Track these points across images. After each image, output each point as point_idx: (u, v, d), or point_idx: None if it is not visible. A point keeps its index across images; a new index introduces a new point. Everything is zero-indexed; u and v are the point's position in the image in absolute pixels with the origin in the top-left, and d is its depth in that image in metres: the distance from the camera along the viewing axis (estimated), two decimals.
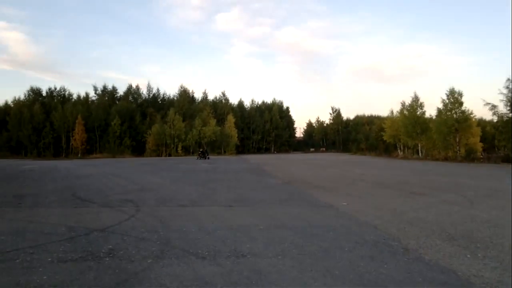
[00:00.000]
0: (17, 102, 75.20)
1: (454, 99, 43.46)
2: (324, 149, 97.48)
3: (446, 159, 41.47)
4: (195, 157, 50.54)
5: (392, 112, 64.29)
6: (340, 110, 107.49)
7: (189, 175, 20.29)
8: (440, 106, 45.08)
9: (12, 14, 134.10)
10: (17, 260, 4.90)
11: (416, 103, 52.75)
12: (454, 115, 43.17)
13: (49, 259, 4.92)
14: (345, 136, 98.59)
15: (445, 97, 44.14)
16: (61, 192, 12.16)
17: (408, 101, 53.70)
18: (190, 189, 13.18)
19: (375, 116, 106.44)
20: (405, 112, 54.49)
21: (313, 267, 4.65)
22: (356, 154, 69.62)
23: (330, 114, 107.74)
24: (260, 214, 8.33)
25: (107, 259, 4.94)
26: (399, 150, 58.85)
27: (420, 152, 51.29)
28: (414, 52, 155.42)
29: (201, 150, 50.25)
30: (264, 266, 4.67)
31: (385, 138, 60.56)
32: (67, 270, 4.52)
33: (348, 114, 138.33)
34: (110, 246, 5.53)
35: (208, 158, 46.24)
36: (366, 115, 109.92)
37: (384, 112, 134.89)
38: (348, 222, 7.41)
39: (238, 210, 8.86)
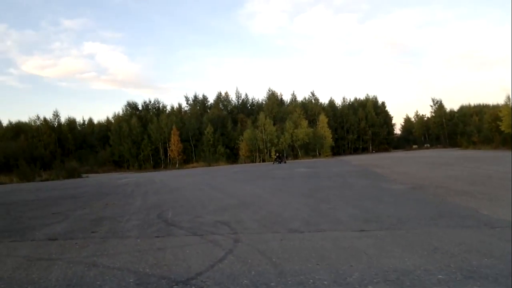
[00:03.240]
0: (116, 118, 79.77)
1: None
2: (428, 145, 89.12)
3: None
4: (271, 162, 52.16)
5: (509, 98, 55.90)
6: (442, 102, 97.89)
7: (289, 182, 17.78)
8: None
9: (110, 37, 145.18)
10: None
11: None
12: None
13: None
14: (451, 129, 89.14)
15: None
16: (147, 212, 10.34)
17: None
18: (297, 203, 10.58)
19: (483, 105, 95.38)
20: None
21: None
22: (468, 148, 61.88)
23: (431, 106, 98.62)
24: (416, 244, 5.42)
25: None
26: None
27: None
28: None
29: (277, 155, 52.39)
30: None
31: (503, 128, 52.68)
32: None
33: (450, 105, 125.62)
34: None
35: (285, 162, 47.74)
36: (472, 105, 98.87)
37: (491, 101, 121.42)
38: None
39: (378, 237, 6.02)
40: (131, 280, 4.58)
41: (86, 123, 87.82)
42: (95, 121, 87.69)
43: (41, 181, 39.86)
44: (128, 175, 39.92)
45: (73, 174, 44.30)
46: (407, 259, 4.74)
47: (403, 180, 15.38)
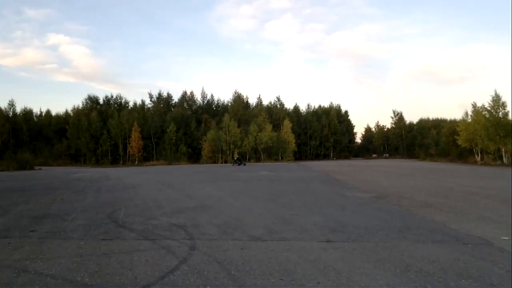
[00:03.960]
0: (75, 111, 76.70)
1: None
2: (387, 155, 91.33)
3: None
4: (230, 164, 53.07)
5: (466, 114, 57.85)
6: (402, 114, 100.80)
7: (251, 185, 17.27)
8: None
9: (75, 29, 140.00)
10: None
11: (496, 103, 46.86)
12: None
13: None
14: (409, 141, 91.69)
15: None
16: (96, 210, 9.51)
17: (481, 101, 47.89)
18: (259, 207, 10.06)
19: (441, 119, 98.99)
20: (484, 113, 48.70)
21: None
22: (425, 160, 63.72)
23: (392, 118, 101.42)
24: (387, 259, 5.02)
25: None
26: (476, 156, 52.67)
27: (504, 157, 45.17)
28: (473, 53, 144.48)
29: (237, 157, 52.49)
30: None
31: (459, 142, 54.48)
32: None
33: (409, 118, 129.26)
34: None
35: (245, 164, 48.12)
36: (431, 118, 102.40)
37: (447, 116, 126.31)
38: None
39: (347, 250, 5.58)
40: None
41: (43, 114, 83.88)
42: (53, 113, 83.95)
43: None
44: (84, 170, 38.14)
45: (25, 165, 41.98)
46: (379, 277, 4.32)
47: (366, 189, 15.21)
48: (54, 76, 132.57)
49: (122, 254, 5.34)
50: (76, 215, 8.77)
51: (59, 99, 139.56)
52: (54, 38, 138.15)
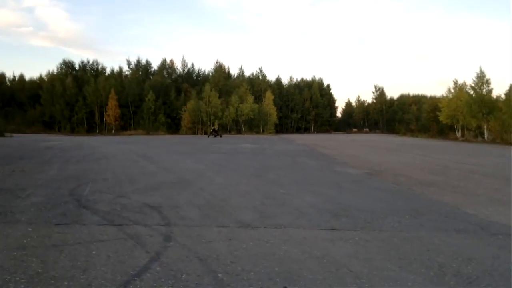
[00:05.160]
0: (50, 76, 73.21)
1: None
2: (367, 129, 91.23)
3: None
4: (207, 135, 51.75)
5: (449, 90, 57.54)
6: (383, 89, 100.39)
7: (234, 158, 16.17)
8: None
9: None
10: None
11: (481, 80, 46.52)
12: None
13: None
14: (390, 116, 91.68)
15: None
16: (58, 185, 8.26)
17: (461, 79, 47.50)
18: (245, 184, 8.99)
19: (421, 95, 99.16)
20: (467, 89, 48.49)
21: None
22: (406, 135, 63.63)
23: (373, 92, 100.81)
24: (412, 256, 4.05)
25: None
26: (456, 132, 52.75)
27: (485, 134, 45.19)
28: (455, 29, 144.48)
29: (213, 128, 51.64)
30: None
31: (441, 118, 54.32)
32: None
33: (390, 93, 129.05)
34: None
35: (221, 136, 47.61)
36: (411, 94, 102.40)
37: (427, 92, 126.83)
38: None
39: (358, 242, 4.57)
40: None
41: (16, 79, 79.82)
42: (27, 78, 79.95)
43: None
44: (56, 138, 36.29)
45: None
46: (411, 284, 3.32)
47: (355, 164, 14.36)
48: (30, 39, 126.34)
49: (78, 247, 4.19)
50: (33, 190, 7.53)
51: (33, 64, 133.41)
52: (30, 0, 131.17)
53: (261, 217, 5.73)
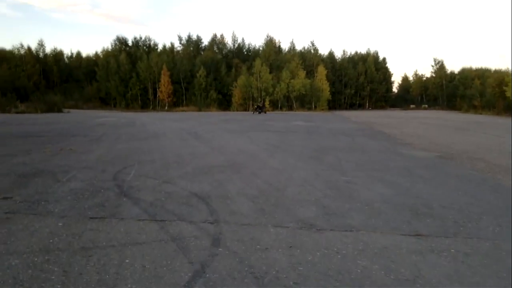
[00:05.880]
0: (105, 53, 75.03)
1: None
2: (426, 106, 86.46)
3: None
4: (251, 112, 51.25)
5: None
6: (444, 62, 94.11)
7: (287, 138, 15.22)
8: None
9: None
10: None
11: None
12: None
13: None
14: (450, 91, 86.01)
15: None
16: (103, 167, 7.76)
17: None
18: (303, 169, 8.05)
19: (485, 69, 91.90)
20: None
21: None
22: (468, 112, 59.44)
23: (432, 66, 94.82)
24: None
25: None
26: None
27: None
28: None
29: (257, 105, 50.67)
30: None
31: (508, 94, 50.02)
32: None
33: (451, 67, 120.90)
34: None
35: (265, 113, 46.73)
36: (474, 68, 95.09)
37: (492, 65, 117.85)
38: None
39: (456, 256, 3.57)
40: None
41: (73, 56, 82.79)
42: (84, 55, 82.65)
43: (17, 113, 36.95)
44: (111, 114, 37.06)
45: (52, 108, 41.24)
46: None
47: (423, 146, 12.96)
48: (86, 17, 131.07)
49: (110, 251, 3.51)
50: (76, 173, 7.06)
51: (89, 41, 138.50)
52: None
53: (325, 214, 4.82)
